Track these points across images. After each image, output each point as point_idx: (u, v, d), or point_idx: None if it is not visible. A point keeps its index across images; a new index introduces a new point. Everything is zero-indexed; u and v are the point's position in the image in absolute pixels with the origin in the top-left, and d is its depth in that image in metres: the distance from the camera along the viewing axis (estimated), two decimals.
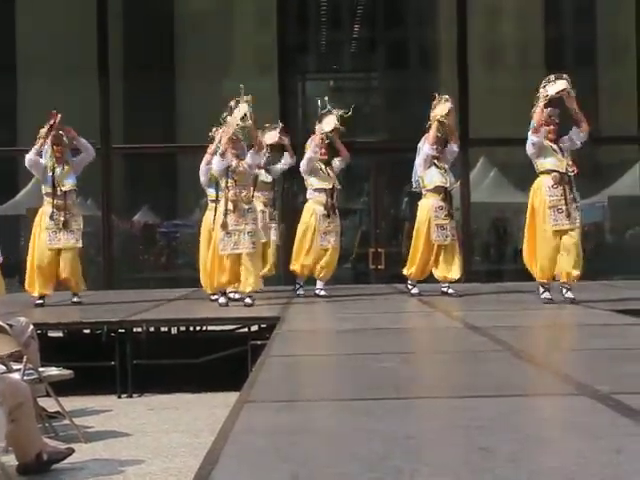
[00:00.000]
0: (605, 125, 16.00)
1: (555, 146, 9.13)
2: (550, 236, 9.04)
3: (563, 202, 8.98)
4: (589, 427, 3.48)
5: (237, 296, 10.00)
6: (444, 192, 10.28)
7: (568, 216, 8.97)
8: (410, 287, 10.60)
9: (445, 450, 3.17)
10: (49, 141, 10.06)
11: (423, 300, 10.05)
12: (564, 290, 9.20)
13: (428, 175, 10.29)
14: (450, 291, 10.31)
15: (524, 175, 12.41)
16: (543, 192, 9.07)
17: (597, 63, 16.93)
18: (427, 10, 17.25)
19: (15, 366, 6.23)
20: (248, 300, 9.38)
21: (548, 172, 9.09)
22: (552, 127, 9.13)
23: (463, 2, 15.86)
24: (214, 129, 10.14)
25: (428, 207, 10.25)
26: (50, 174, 10.03)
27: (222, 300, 9.62)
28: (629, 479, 2.72)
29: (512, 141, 12.41)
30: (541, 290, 9.30)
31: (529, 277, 9.63)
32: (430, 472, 2.86)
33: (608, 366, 5.28)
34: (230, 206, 9.35)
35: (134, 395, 8.55)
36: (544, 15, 16.77)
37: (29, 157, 10.06)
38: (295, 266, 10.85)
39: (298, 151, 11.19)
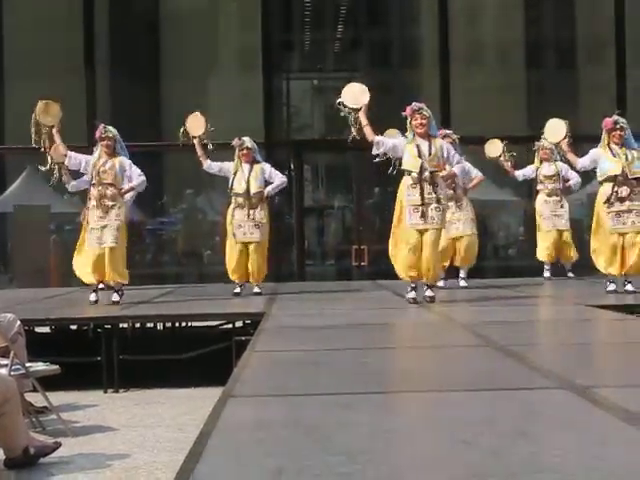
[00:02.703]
0: (585, 124, 16.10)
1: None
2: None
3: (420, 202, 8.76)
4: (569, 420, 3.52)
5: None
6: None
7: (423, 216, 8.72)
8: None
9: (426, 443, 3.21)
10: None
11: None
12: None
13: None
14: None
15: (504, 173, 12.59)
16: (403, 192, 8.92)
17: (577, 63, 17.05)
18: (409, 10, 17.31)
19: (2, 361, 6.28)
20: (115, 296, 9.53)
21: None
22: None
23: (445, 2, 15.95)
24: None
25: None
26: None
27: (92, 297, 9.71)
28: (609, 471, 2.76)
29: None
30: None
31: (509, 274, 9.69)
32: (411, 465, 2.90)
33: (588, 360, 5.37)
34: (94, 202, 9.52)
35: (120, 390, 8.59)
36: (525, 15, 16.88)
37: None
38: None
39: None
